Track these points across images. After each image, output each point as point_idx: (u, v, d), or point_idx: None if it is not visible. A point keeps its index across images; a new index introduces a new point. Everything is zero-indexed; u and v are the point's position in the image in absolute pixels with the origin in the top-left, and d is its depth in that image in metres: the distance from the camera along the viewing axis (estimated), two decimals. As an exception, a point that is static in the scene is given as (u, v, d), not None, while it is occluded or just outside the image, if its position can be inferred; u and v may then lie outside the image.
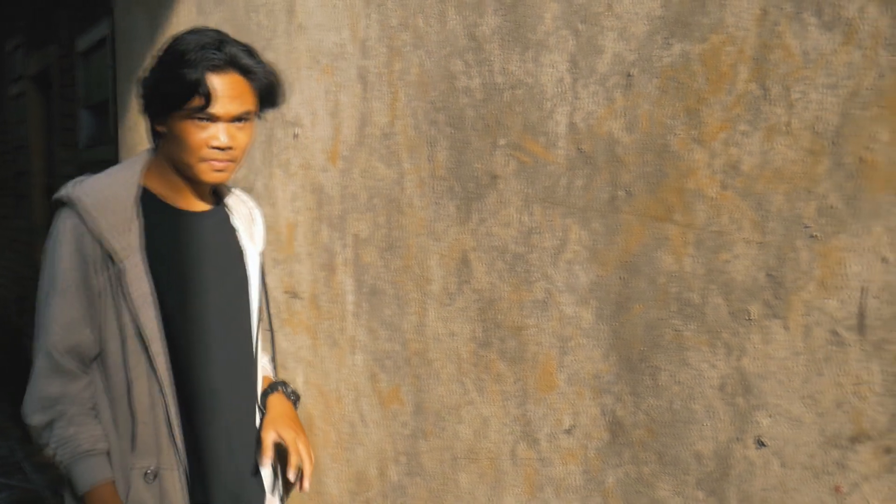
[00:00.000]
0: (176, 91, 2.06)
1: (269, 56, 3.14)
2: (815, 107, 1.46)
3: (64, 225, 2.15)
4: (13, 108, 9.34)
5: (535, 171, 2.04)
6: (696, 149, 1.66)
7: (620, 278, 1.84)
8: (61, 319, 2.13)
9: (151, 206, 2.21)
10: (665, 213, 1.73)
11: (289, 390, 2.41)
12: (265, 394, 2.37)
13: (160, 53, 2.16)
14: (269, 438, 2.24)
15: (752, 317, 1.58)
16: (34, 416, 2.14)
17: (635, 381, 1.82)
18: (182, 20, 4.14)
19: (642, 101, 1.77)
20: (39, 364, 2.14)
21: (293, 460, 2.22)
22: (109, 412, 2.18)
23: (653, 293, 1.77)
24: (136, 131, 4.91)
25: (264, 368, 2.45)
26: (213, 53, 2.08)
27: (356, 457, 2.85)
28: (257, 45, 3.29)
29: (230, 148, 2.13)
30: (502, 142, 2.14)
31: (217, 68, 2.08)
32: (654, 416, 1.78)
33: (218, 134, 2.11)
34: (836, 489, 1.46)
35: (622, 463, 1.85)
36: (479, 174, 2.21)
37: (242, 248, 2.36)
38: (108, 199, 2.15)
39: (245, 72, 2.13)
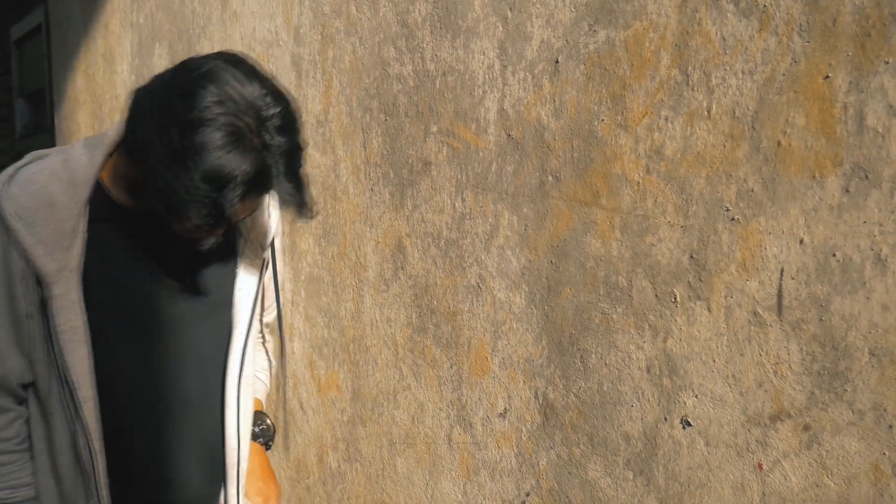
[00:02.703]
0: (181, 209, 1.54)
1: (203, 44, 3.13)
2: (734, 92, 1.49)
3: None
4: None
5: (467, 158, 2.06)
6: (621, 134, 1.68)
7: (550, 262, 1.86)
8: None
9: (104, 212, 1.75)
10: (592, 198, 1.75)
11: (258, 430, 2.10)
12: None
13: (179, 123, 1.51)
14: None
15: (676, 299, 1.61)
16: None
17: (566, 364, 1.84)
18: (116, 6, 4.10)
19: (569, 88, 1.79)
20: None
21: None
22: (46, 451, 1.83)
23: (582, 277, 1.79)
24: (73, 120, 4.86)
25: (256, 390, 2.11)
26: (255, 190, 1.56)
27: (296, 444, 2.86)
28: (192, 33, 3.28)
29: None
30: (434, 128, 2.15)
31: (244, 199, 1.57)
32: (584, 399, 1.80)
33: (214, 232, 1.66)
34: (758, 466, 1.49)
35: (554, 445, 1.88)
36: (413, 161, 2.22)
37: (236, 250, 1.91)
38: (43, 204, 1.68)
39: (275, 196, 1.68)
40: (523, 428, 1.96)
